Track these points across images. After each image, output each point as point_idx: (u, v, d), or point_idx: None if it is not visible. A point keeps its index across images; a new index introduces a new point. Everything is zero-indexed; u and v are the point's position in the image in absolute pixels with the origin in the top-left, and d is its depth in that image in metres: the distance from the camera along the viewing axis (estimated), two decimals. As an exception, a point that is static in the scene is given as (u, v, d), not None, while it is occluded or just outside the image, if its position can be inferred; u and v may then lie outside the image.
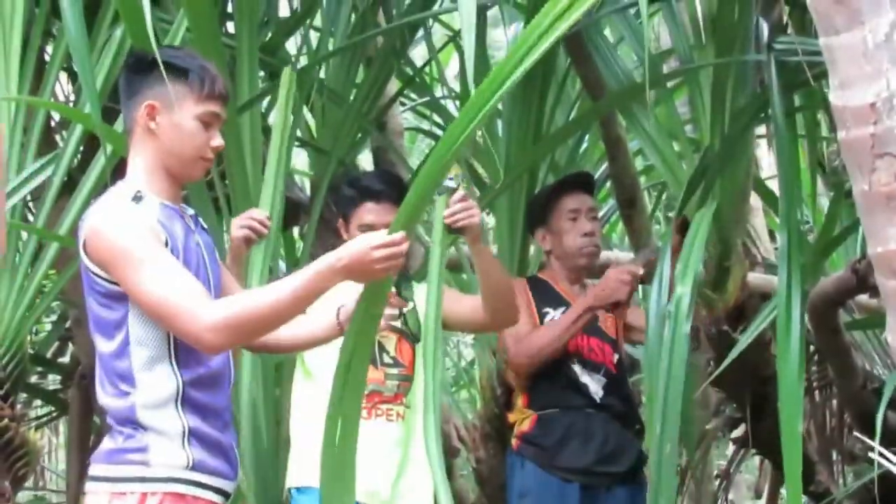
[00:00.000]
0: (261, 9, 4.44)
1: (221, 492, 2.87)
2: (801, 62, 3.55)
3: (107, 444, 2.81)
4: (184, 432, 2.79)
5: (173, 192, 2.90)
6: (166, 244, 2.74)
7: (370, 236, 2.68)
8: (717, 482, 5.95)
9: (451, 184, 3.43)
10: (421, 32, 5.22)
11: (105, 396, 2.80)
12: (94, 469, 2.82)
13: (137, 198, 2.80)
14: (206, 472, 2.82)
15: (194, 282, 2.71)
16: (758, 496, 6.54)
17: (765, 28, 4.11)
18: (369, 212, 3.79)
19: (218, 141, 2.90)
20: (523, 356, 4.14)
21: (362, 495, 3.56)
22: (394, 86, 5.20)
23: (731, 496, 6.46)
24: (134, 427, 2.78)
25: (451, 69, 7.11)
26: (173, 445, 2.78)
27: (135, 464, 2.78)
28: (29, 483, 9.01)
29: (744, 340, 3.66)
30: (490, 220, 5.24)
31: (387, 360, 3.78)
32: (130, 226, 2.73)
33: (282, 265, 5.41)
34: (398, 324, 3.64)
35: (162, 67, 2.80)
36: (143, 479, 2.77)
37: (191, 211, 2.97)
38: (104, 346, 2.78)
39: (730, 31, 3.93)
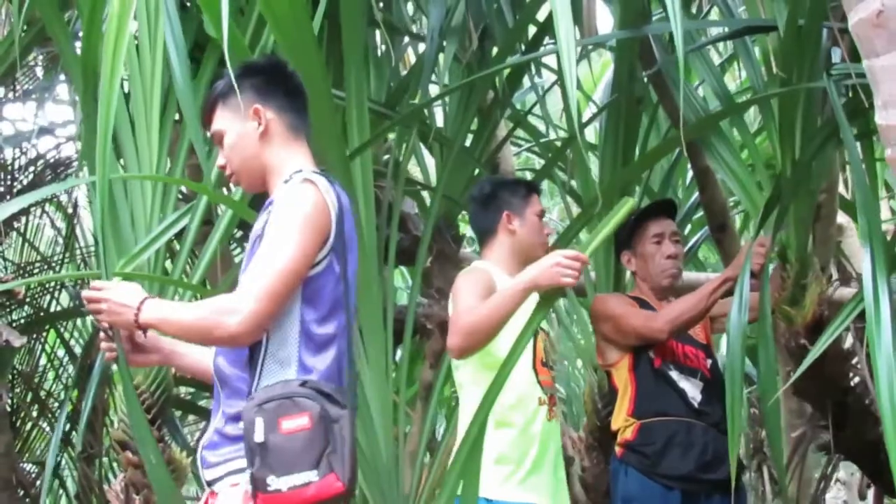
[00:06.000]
0: (387, 71, 4.59)
1: None
2: (861, 87, 3.38)
3: None
4: None
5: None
6: None
7: None
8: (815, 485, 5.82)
9: None
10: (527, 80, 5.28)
11: None
12: None
13: None
14: None
15: None
16: (862, 498, 6.35)
17: (833, 57, 4.06)
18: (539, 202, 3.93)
19: (217, 161, 3.03)
20: (663, 323, 4.04)
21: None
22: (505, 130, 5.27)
23: (845, 497, 6.31)
24: None
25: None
26: None
27: None
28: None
29: (824, 341, 3.49)
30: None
31: (549, 361, 3.76)
32: None
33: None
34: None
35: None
36: None
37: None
38: None
39: (796, 63, 3.84)
